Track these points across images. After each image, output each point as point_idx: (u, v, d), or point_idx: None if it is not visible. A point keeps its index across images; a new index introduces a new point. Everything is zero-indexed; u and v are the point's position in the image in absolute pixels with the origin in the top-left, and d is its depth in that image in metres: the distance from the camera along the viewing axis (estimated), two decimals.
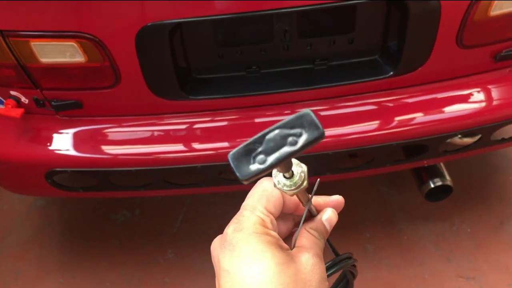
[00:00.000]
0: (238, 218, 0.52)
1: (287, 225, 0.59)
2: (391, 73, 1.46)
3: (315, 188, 0.57)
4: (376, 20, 1.44)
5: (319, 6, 1.28)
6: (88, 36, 1.27)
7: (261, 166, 0.43)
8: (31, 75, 1.38)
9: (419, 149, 1.58)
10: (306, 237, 0.55)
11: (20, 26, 1.28)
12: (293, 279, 0.49)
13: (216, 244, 0.54)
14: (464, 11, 1.33)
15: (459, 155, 1.67)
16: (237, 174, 0.44)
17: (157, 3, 1.23)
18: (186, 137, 1.51)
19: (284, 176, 0.50)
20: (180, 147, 1.50)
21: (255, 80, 1.49)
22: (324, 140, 1.52)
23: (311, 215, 0.58)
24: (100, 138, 1.51)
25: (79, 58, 1.32)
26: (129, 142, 1.51)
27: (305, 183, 0.50)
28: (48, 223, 2.23)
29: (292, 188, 0.50)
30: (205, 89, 1.47)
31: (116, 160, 1.50)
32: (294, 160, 0.50)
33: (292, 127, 0.44)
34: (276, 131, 0.44)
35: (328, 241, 0.60)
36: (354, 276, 0.64)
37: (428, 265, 1.99)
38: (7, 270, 2.06)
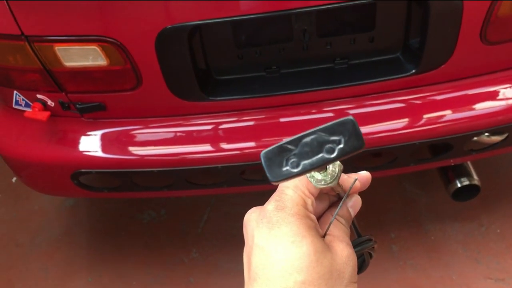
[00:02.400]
0: (281, 196, 0.51)
1: (323, 205, 0.57)
2: (413, 71, 1.43)
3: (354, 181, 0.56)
4: (397, 17, 1.42)
5: (338, 5, 1.27)
6: (110, 39, 1.30)
7: (294, 170, 0.42)
8: (56, 79, 1.41)
9: (444, 148, 1.55)
10: (336, 225, 0.54)
11: (45, 32, 1.31)
12: (329, 270, 0.48)
13: (252, 217, 0.52)
14: (488, 7, 1.30)
15: (486, 153, 1.62)
16: (268, 174, 0.43)
17: (176, 5, 1.25)
18: (207, 138, 1.52)
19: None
20: (201, 147, 1.52)
21: (275, 80, 1.49)
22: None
23: (339, 197, 0.57)
24: (124, 140, 1.54)
25: (101, 61, 1.35)
26: (152, 143, 1.54)
27: (334, 182, 0.48)
28: (77, 223, 2.28)
29: (321, 183, 0.48)
30: (225, 90, 1.48)
31: (139, 161, 1.52)
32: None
33: (331, 134, 0.42)
34: (314, 136, 0.42)
35: (353, 222, 0.59)
36: (371, 257, 0.63)
37: (455, 266, 1.95)
38: (37, 269, 2.12)
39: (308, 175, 0.48)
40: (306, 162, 0.42)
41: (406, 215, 2.13)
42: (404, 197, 2.20)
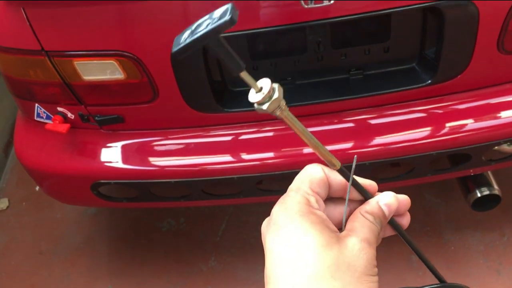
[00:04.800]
0: (284, 198, 0.52)
1: (339, 209, 0.56)
2: (429, 81, 1.43)
3: (353, 165, 0.55)
4: (412, 27, 1.41)
5: (353, 17, 1.27)
6: (127, 54, 1.33)
7: (188, 39, 0.47)
8: (76, 92, 1.45)
9: (463, 158, 1.53)
10: (359, 221, 0.52)
11: (64, 47, 1.35)
12: (335, 262, 0.47)
13: (264, 224, 0.53)
14: (504, 16, 1.29)
15: (507, 163, 1.60)
16: (172, 49, 0.48)
17: (192, 20, 1.27)
18: (224, 149, 1.54)
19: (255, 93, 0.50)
20: (218, 158, 1.53)
21: (290, 92, 1.50)
22: (362, 150, 1.49)
23: (365, 199, 0.56)
24: (141, 151, 1.57)
25: (119, 75, 1.38)
26: (169, 154, 1.56)
27: (276, 94, 0.49)
28: (98, 231, 2.32)
29: (266, 101, 0.49)
30: (241, 101, 1.49)
31: (156, 172, 1.55)
32: (265, 80, 0.50)
33: (217, 17, 0.47)
34: (206, 19, 0.48)
35: (433, 269, 0.58)
36: None
37: (476, 277, 1.92)
38: (60, 275, 2.16)
39: (255, 105, 0.50)
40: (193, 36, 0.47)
41: (425, 225, 2.10)
42: (424, 206, 2.17)
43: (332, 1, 1.22)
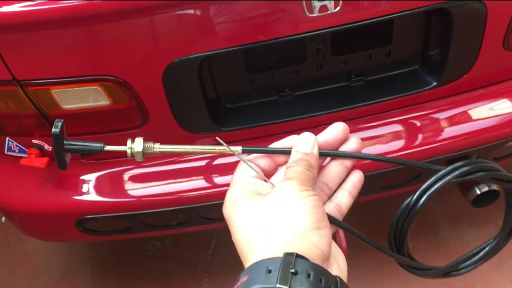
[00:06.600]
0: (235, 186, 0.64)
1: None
2: (434, 83, 1.36)
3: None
4: (415, 29, 1.34)
5: (353, 25, 1.18)
6: (112, 78, 1.19)
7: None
8: (53, 123, 1.29)
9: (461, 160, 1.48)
10: (287, 172, 0.61)
11: (39, 75, 1.19)
12: (257, 211, 0.58)
13: (227, 209, 0.64)
14: None
15: (508, 160, 1.57)
16: None
17: (185, 38, 1.14)
18: (222, 170, 1.42)
19: None
20: (217, 180, 1.42)
21: (289, 104, 1.40)
22: (367, 161, 1.38)
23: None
24: (132, 180, 1.43)
25: (103, 101, 1.23)
26: (161, 181, 1.43)
27: (137, 148, 0.65)
28: (77, 261, 2.15)
29: (135, 155, 0.66)
30: (238, 118, 1.38)
31: (150, 201, 1.41)
32: (128, 141, 0.65)
33: None
34: None
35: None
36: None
37: (478, 273, 1.87)
38: None
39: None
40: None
41: (421, 223, 2.07)
42: (423, 214, 2.13)
43: (337, 8, 1.13)
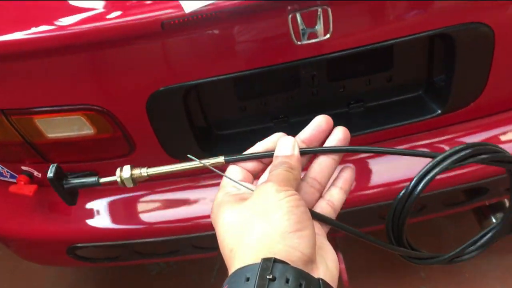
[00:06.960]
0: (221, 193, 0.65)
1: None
2: (439, 111, 1.27)
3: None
4: (418, 54, 1.26)
5: (350, 51, 1.11)
6: (95, 107, 1.15)
7: None
8: (40, 151, 1.27)
9: (479, 191, 1.38)
10: (270, 174, 0.60)
11: (22, 104, 1.16)
12: (246, 214, 0.56)
13: (214, 215, 0.63)
14: None
15: None
16: None
17: (167, 67, 1.09)
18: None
19: None
20: (208, 210, 1.36)
21: (284, 131, 1.32)
22: (371, 192, 1.28)
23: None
24: (122, 208, 1.39)
25: (87, 130, 1.20)
26: (153, 209, 1.38)
27: (125, 175, 0.67)
28: (81, 280, 2.14)
29: (125, 182, 0.68)
30: (229, 146, 1.32)
31: (141, 230, 1.37)
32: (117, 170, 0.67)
33: None
34: None
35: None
36: None
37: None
38: None
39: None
40: None
41: (436, 251, 1.95)
42: (433, 229, 2.03)
43: (327, 36, 1.06)
